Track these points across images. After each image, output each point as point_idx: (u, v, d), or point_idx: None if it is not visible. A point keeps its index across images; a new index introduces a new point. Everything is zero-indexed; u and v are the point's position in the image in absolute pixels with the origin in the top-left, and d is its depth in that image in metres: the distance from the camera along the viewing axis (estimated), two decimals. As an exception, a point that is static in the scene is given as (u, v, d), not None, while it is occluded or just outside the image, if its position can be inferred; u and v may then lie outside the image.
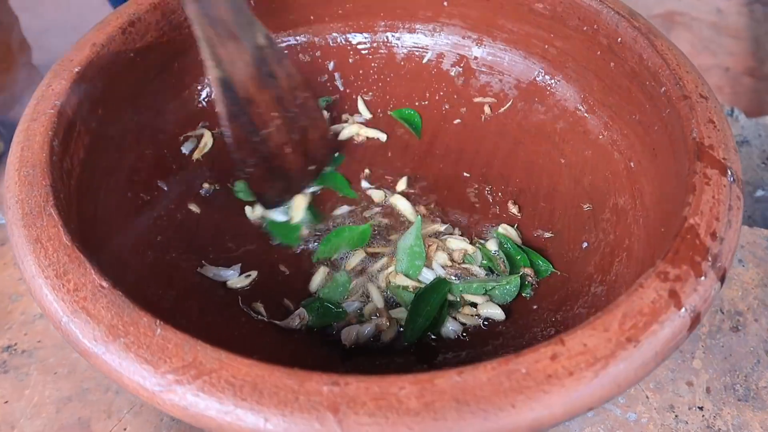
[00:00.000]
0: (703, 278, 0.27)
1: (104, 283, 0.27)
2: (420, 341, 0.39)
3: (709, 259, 0.28)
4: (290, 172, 0.44)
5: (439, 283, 0.41)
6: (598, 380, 0.25)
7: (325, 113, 0.50)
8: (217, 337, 0.37)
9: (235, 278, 0.41)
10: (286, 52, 0.42)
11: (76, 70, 0.36)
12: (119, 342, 0.25)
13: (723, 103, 0.69)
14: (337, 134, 0.50)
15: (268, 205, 0.44)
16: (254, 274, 0.42)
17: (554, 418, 0.24)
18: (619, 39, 0.40)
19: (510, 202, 0.45)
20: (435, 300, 0.39)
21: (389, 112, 0.51)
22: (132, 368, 0.25)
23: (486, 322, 0.40)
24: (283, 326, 0.39)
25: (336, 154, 0.49)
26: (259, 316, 0.40)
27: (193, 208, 0.44)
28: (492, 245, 0.43)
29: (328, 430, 0.23)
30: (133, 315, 0.26)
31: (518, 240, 0.44)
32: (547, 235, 0.43)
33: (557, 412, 0.24)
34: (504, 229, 0.44)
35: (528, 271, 0.41)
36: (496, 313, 0.40)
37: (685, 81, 0.36)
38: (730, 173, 0.31)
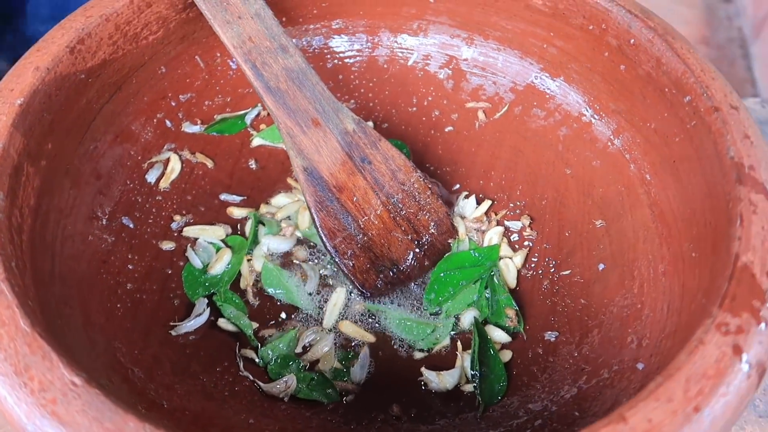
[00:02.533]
0: (764, 326, 0.25)
1: (77, 380, 0.23)
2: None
3: (769, 302, 0.25)
4: (399, 263, 0.39)
5: (483, 333, 0.38)
6: (668, 463, 0.21)
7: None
8: (201, 409, 0.32)
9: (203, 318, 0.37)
10: (380, 136, 0.40)
11: (18, 102, 0.31)
12: (102, 457, 0.21)
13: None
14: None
15: (369, 296, 0.39)
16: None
17: None
18: (632, 40, 0.37)
19: (524, 216, 0.42)
20: (491, 350, 0.37)
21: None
22: (121, 491, 0.21)
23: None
24: (266, 390, 0.35)
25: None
26: (244, 373, 0.35)
27: (166, 246, 0.39)
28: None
29: None
30: (116, 419, 0.22)
31: (512, 281, 0.40)
32: (565, 272, 0.39)
33: (627, 506, 0.21)
34: (506, 266, 0.40)
35: (510, 313, 0.38)
36: (502, 335, 0.37)
37: (712, 90, 0.33)
38: (775, 198, 0.28)
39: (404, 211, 0.40)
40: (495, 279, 0.39)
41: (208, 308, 0.37)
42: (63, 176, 0.34)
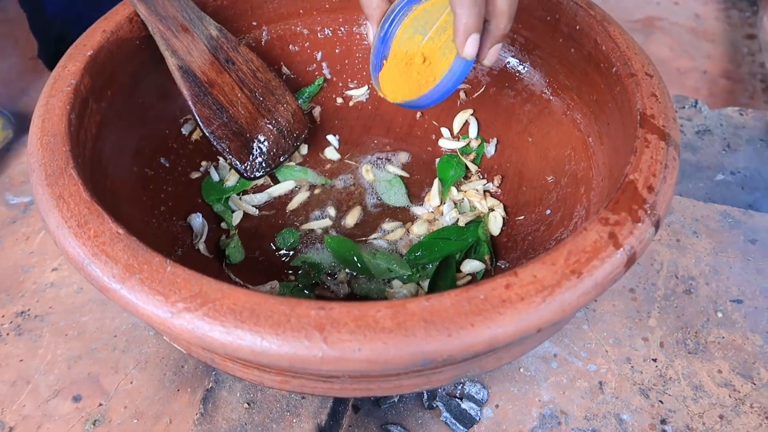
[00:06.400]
0: (639, 224, 0.32)
1: (120, 230, 0.31)
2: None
3: (646, 208, 0.32)
4: (266, 142, 0.48)
5: (449, 260, 0.45)
6: (545, 304, 0.29)
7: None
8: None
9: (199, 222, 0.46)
10: (241, 39, 0.50)
11: (89, 53, 0.40)
12: (135, 278, 0.29)
13: (695, 100, 0.75)
14: (309, 111, 0.55)
15: (249, 176, 0.47)
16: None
17: (507, 336, 0.28)
18: (578, 26, 0.45)
19: (496, 177, 0.50)
20: (449, 276, 0.44)
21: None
22: (147, 299, 0.29)
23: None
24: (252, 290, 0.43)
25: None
26: (236, 279, 0.44)
27: (194, 175, 0.49)
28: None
29: (315, 346, 0.27)
30: (146, 255, 0.30)
31: (496, 230, 0.47)
32: (519, 218, 0.47)
33: (510, 330, 0.28)
34: (494, 218, 0.47)
35: (486, 258, 0.45)
36: (477, 264, 0.44)
37: (633, 61, 0.40)
38: (667, 138, 0.36)
39: (265, 103, 0.48)
40: (480, 229, 0.46)
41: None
42: (117, 119, 0.44)
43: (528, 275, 0.29)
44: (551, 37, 0.48)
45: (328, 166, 0.53)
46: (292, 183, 0.50)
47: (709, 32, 1.79)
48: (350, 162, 0.53)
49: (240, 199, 0.49)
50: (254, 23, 0.53)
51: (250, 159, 0.47)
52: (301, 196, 0.50)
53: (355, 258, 0.45)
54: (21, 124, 0.62)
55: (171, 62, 0.44)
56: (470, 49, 0.36)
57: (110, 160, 0.42)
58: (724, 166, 0.69)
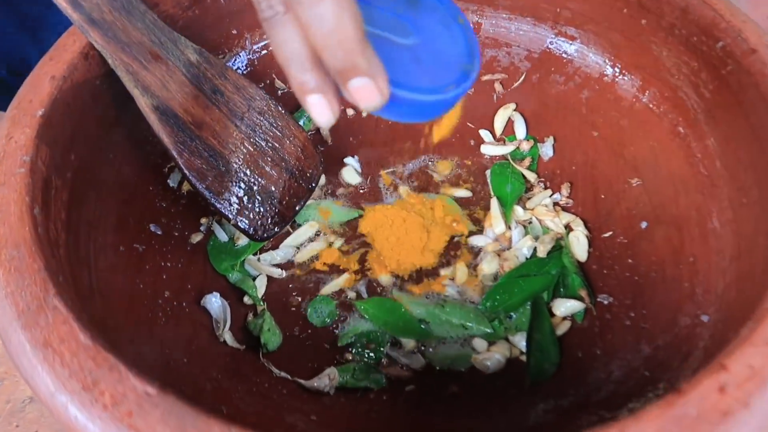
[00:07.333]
0: (843, 260, 0.24)
1: (150, 389, 0.21)
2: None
3: (844, 236, 0.25)
4: (275, 192, 0.37)
5: (538, 304, 0.36)
6: (776, 407, 0.21)
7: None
8: (261, 411, 0.31)
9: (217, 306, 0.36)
10: (228, 63, 0.37)
11: (39, 113, 0.29)
12: (190, 466, 0.20)
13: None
14: (316, 131, 0.44)
15: (260, 237, 0.37)
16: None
17: (739, 462, 0.20)
18: (652, -7, 0.36)
19: (564, 185, 0.41)
20: (545, 327, 0.35)
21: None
22: (215, 499, 0.19)
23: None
24: (308, 386, 0.34)
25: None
26: (282, 373, 0.34)
27: (195, 238, 0.38)
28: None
29: None
30: (199, 425, 0.21)
31: (583, 255, 0.39)
32: (606, 235, 0.39)
33: (742, 455, 0.20)
34: (576, 239, 0.38)
35: (582, 293, 0.36)
36: (574, 305, 0.36)
37: (746, 33, 0.32)
38: (830, 132, 0.28)
39: (267, 140, 0.37)
40: (565, 257, 0.38)
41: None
42: (88, 188, 0.33)
43: (742, 367, 0.21)
44: (610, 7, 0.39)
45: (352, 192, 0.43)
46: (315, 225, 0.40)
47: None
48: (383, 180, 0.43)
49: (258, 260, 0.39)
50: (234, 31, 0.42)
51: (259, 215, 0.36)
52: (333, 245, 0.40)
53: (405, 320, 0.36)
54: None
55: (143, 102, 0.33)
56: (318, 112, 0.26)
57: (89, 247, 0.32)
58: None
